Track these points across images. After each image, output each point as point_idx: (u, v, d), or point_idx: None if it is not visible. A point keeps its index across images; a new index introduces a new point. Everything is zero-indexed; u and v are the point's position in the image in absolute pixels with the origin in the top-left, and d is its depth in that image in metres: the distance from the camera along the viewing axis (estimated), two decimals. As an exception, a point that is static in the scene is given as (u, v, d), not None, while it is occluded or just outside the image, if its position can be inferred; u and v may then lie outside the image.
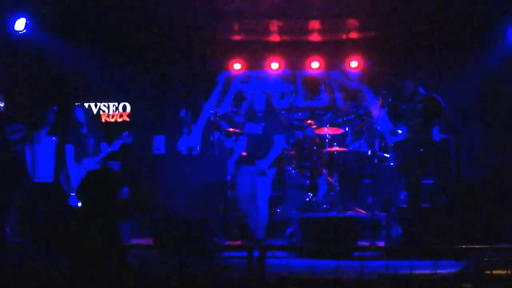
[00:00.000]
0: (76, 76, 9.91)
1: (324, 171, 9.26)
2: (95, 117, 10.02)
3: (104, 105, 10.54)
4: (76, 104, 8.32)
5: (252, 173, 7.49)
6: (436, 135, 7.66)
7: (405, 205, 7.85)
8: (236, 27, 9.95)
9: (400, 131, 7.72)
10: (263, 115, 7.65)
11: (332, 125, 9.60)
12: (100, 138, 7.91)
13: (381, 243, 7.38)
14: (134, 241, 7.67)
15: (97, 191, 4.47)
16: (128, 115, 10.46)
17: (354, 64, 10.44)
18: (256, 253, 4.76)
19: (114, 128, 9.87)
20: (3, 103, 7.87)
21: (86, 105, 9.68)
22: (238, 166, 7.86)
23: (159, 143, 10.13)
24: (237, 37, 10.32)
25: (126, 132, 7.89)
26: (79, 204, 6.11)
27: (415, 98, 7.59)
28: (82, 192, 4.53)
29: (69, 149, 7.75)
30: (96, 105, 10.50)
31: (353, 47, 10.34)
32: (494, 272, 4.81)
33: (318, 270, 4.94)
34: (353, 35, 10.17)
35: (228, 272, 5.28)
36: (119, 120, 10.45)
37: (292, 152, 9.38)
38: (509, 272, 4.72)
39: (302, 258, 6.39)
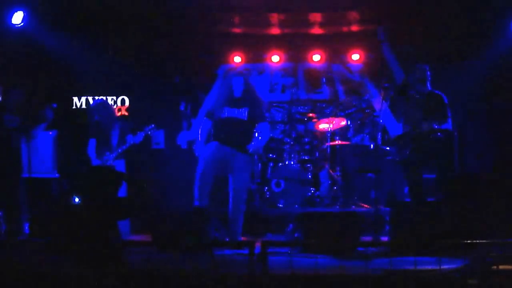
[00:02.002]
0: (74, 70, 9.81)
1: (326, 165, 9.17)
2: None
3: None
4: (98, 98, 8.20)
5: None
6: (439, 129, 7.57)
7: (408, 200, 7.77)
8: (236, 19, 9.88)
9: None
10: (244, 99, 7.39)
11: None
12: (127, 130, 7.79)
13: (385, 238, 7.30)
14: (133, 238, 7.59)
15: (96, 188, 4.42)
16: (127, 109, 10.37)
17: (355, 57, 10.38)
18: (257, 250, 4.69)
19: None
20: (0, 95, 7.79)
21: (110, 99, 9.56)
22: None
23: (158, 138, 10.04)
24: (237, 30, 10.25)
25: (153, 125, 7.72)
26: (76, 200, 6.06)
27: (421, 89, 7.49)
28: (81, 188, 4.49)
29: (92, 144, 7.69)
30: (93, 99, 10.40)
31: (355, 40, 10.29)
32: (501, 267, 4.75)
33: (321, 266, 4.85)
34: (355, 27, 10.11)
35: (229, 269, 5.20)
36: (118, 114, 10.34)
37: (293, 146, 9.30)
38: (515, 267, 4.65)
39: (305, 254, 6.31)
